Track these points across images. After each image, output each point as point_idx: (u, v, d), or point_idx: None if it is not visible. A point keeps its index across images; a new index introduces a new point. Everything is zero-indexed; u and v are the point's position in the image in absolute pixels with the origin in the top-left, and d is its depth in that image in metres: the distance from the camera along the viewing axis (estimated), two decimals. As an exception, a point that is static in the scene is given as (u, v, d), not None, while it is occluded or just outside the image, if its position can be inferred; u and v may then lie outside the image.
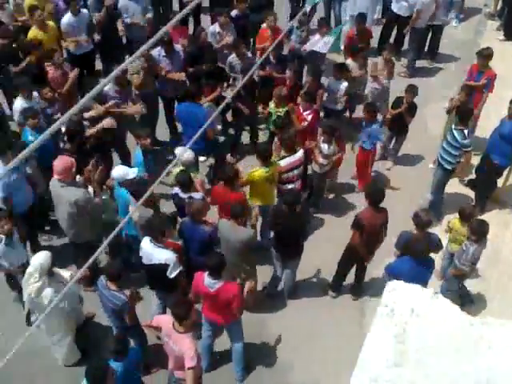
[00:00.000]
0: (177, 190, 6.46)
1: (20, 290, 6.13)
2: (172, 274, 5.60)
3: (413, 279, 5.54)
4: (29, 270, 5.52)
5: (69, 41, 8.66)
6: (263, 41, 8.81)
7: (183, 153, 6.58)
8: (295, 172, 6.95)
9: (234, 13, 9.22)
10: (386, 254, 6.98)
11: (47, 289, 5.46)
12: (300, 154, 6.97)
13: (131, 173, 6.28)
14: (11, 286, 6.48)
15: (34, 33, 8.37)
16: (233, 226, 5.96)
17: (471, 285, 6.74)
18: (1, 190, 6.26)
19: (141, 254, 5.81)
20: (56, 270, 5.62)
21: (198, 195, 6.34)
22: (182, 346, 4.90)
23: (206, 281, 5.40)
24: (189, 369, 4.83)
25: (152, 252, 5.65)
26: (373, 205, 6.20)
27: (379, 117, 8.13)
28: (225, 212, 6.34)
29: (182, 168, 6.61)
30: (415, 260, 5.64)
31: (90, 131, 7.02)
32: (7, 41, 8.26)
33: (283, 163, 6.84)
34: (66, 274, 5.77)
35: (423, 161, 8.77)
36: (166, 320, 5.12)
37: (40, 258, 5.46)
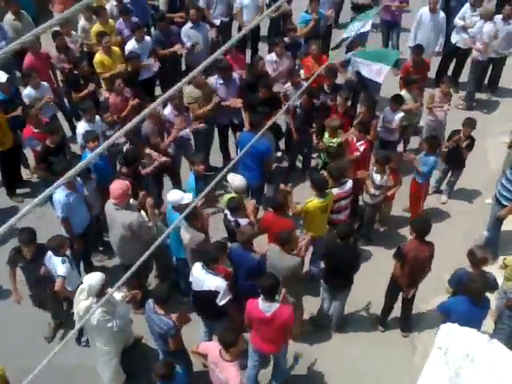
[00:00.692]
0: (227, 211, 6.56)
1: None
2: (222, 301, 5.63)
3: (467, 319, 5.43)
4: (81, 286, 5.67)
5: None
6: (306, 70, 8.85)
7: (236, 179, 6.68)
8: (343, 203, 6.93)
9: (285, 41, 9.34)
10: (438, 291, 6.84)
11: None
12: (349, 185, 6.93)
13: (186, 198, 6.38)
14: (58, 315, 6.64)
15: (99, 57, 8.70)
16: (280, 253, 5.97)
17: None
18: (61, 210, 6.49)
19: (191, 280, 5.86)
20: (108, 291, 5.73)
21: (243, 221, 6.39)
22: (228, 374, 4.89)
23: (260, 305, 5.38)
24: (233, 398, 4.82)
25: (203, 278, 5.69)
26: (418, 237, 6.12)
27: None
28: (274, 239, 6.35)
29: (233, 195, 6.69)
30: (470, 300, 5.48)
31: (146, 170, 7.19)
32: (72, 66, 8.65)
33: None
34: (117, 295, 5.88)
35: (480, 196, 8.53)
36: (213, 347, 5.13)
37: (91, 279, 5.56)
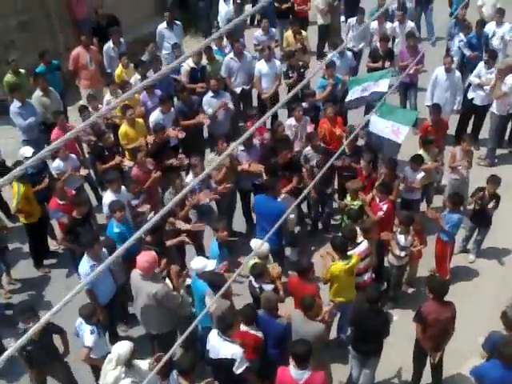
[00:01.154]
0: (251, 277, 6.54)
1: None
2: (238, 369, 5.54)
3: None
4: (109, 356, 5.63)
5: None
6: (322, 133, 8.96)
7: (259, 245, 6.67)
8: (361, 265, 6.82)
9: (303, 105, 9.49)
10: (470, 355, 6.62)
11: (125, 380, 5.49)
12: (363, 246, 6.87)
13: (210, 265, 6.40)
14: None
15: (124, 129, 8.96)
16: (304, 319, 5.89)
17: None
18: None
19: (208, 348, 5.80)
20: (135, 361, 5.68)
21: (268, 286, 6.35)
22: None
23: (292, 373, 5.27)
24: None
25: (219, 346, 5.63)
26: (437, 299, 6.01)
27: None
28: (299, 304, 6.28)
29: (256, 260, 6.68)
30: (505, 365, 5.29)
31: (173, 241, 7.31)
32: (97, 139, 8.95)
33: None
34: (144, 365, 5.82)
35: (509, 254, 8.35)
36: None
37: (120, 348, 5.54)
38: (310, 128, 9.00)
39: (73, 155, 8.69)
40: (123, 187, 7.95)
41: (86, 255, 6.66)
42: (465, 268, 8.23)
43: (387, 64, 10.66)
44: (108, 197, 7.79)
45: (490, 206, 7.80)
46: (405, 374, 6.81)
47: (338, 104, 9.63)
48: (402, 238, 7.23)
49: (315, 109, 9.67)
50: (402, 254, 7.28)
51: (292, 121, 9.15)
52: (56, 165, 8.47)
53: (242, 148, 8.40)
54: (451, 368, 6.67)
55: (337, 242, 6.68)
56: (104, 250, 6.77)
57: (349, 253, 6.66)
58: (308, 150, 8.56)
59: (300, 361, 5.24)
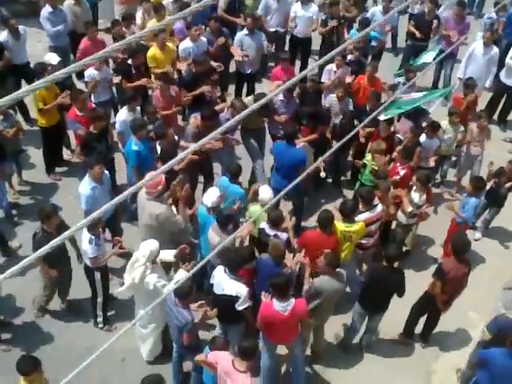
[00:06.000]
0: (264, 225, 6.36)
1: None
2: (240, 306, 5.60)
3: (505, 373, 5.25)
4: (136, 254, 5.68)
5: (183, 63, 9.06)
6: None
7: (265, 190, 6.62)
8: (373, 227, 6.77)
9: (349, 57, 9.37)
10: (460, 328, 6.68)
11: (151, 274, 5.63)
12: (379, 209, 6.78)
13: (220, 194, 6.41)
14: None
15: (153, 51, 8.77)
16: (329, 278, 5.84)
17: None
18: (85, 203, 6.48)
19: (212, 282, 5.84)
20: (159, 257, 5.82)
21: (283, 235, 6.24)
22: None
23: (276, 306, 5.30)
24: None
25: (225, 283, 5.65)
26: (456, 255, 6.09)
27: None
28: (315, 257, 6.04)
29: (257, 206, 6.62)
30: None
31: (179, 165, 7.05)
32: (126, 56, 8.79)
33: (362, 218, 6.64)
34: (169, 256, 5.92)
35: (514, 238, 8.31)
36: (225, 357, 4.98)
37: (150, 245, 5.67)
38: (348, 79, 8.86)
39: (105, 66, 8.61)
40: (138, 108, 7.82)
41: (87, 176, 6.56)
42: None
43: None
44: (122, 114, 7.65)
45: (507, 185, 7.69)
46: (390, 327, 6.76)
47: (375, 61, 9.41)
48: (416, 196, 7.14)
49: (359, 64, 9.33)
50: (414, 212, 7.15)
51: (333, 66, 8.97)
52: (89, 73, 8.33)
53: (281, 98, 8.19)
54: (441, 337, 6.76)
55: (345, 207, 6.43)
56: (106, 172, 6.75)
57: (362, 217, 6.58)
58: (333, 97, 8.43)
59: (282, 293, 5.26)
